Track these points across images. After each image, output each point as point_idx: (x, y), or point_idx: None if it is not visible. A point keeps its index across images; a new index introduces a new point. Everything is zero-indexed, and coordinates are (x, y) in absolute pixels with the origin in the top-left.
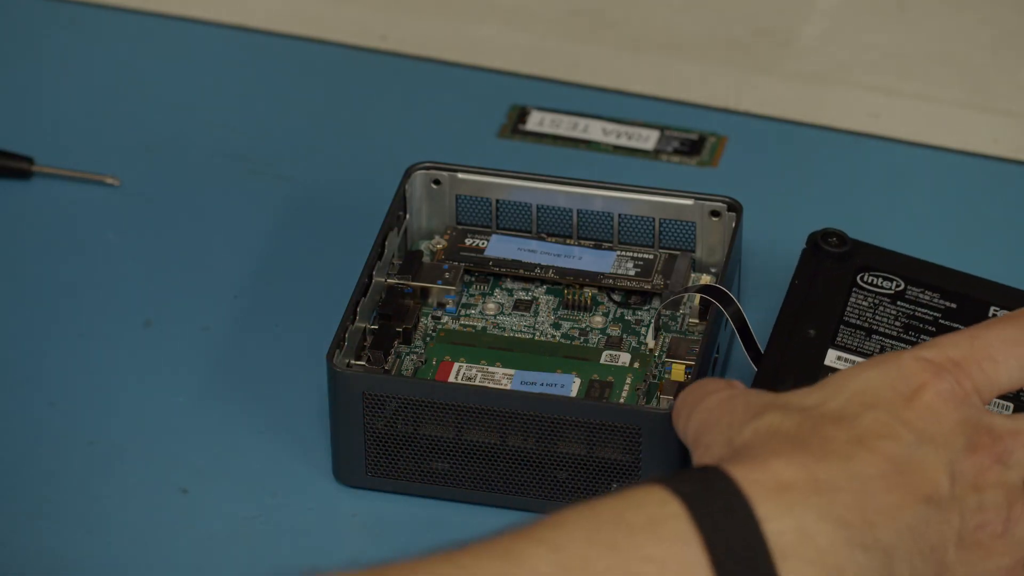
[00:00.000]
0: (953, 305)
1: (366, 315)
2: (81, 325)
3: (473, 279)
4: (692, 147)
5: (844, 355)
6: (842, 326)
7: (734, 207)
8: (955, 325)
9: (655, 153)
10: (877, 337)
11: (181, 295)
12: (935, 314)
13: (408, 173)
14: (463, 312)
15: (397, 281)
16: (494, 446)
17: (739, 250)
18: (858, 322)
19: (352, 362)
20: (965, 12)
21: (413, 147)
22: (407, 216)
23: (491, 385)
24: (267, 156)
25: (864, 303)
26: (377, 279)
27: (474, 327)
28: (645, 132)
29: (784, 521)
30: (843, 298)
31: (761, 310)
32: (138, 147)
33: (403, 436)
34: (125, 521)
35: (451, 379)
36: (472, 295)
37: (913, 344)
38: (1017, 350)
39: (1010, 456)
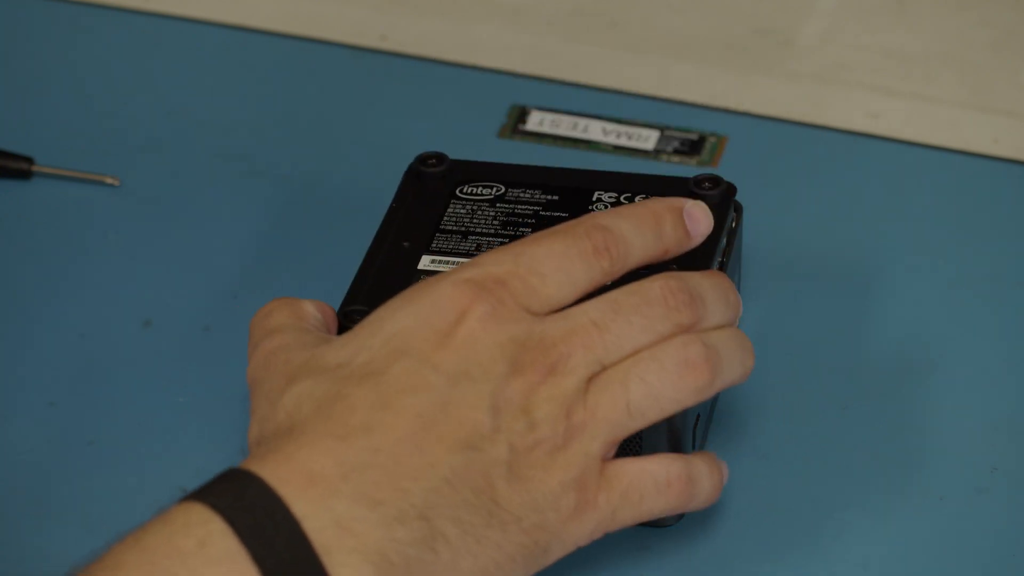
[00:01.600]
0: (555, 197)
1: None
2: (81, 325)
3: None
4: (692, 147)
5: (439, 258)
6: (438, 233)
7: (734, 207)
8: (558, 215)
9: (655, 153)
10: (474, 237)
11: (181, 295)
12: (535, 207)
13: (408, 170)
14: None
15: None
16: None
17: (739, 250)
18: (454, 228)
19: None
20: (965, 12)
21: (413, 147)
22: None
23: None
24: (267, 156)
25: (462, 211)
26: None
27: None
28: (645, 132)
29: (321, 517)
30: (441, 210)
31: (762, 310)
32: (138, 147)
33: None
34: (125, 521)
35: None
36: None
37: (512, 239)
38: (564, 263)
39: (566, 363)
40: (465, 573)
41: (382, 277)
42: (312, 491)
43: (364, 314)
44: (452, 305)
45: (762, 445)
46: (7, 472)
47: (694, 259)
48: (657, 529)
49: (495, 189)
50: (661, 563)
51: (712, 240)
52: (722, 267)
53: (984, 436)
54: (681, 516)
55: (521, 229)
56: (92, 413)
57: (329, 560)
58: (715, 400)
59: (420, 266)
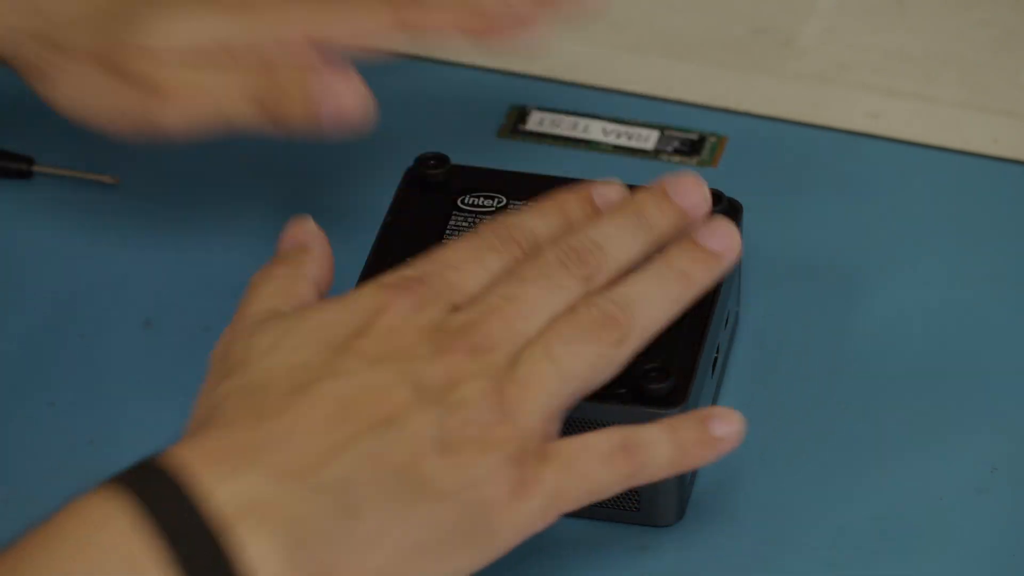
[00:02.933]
0: None
1: None
2: (81, 325)
3: None
4: (692, 147)
5: None
6: None
7: (734, 207)
8: None
9: (655, 153)
10: None
11: (181, 295)
12: None
13: (408, 173)
14: None
15: None
16: None
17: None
18: None
19: None
20: (965, 12)
21: (413, 147)
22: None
23: None
24: (267, 156)
25: (464, 224)
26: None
27: None
28: (645, 132)
29: (227, 493)
30: (443, 223)
31: (762, 310)
32: (138, 147)
33: None
34: None
35: None
36: None
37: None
38: (479, 255)
39: (488, 339)
40: (397, 544)
41: None
42: (218, 468)
43: None
44: (372, 304)
45: (762, 445)
46: (7, 472)
47: None
48: (657, 529)
49: (496, 200)
50: (661, 563)
51: None
52: None
53: (984, 436)
54: (681, 515)
55: None
56: (92, 413)
57: (235, 535)
58: (715, 400)
59: None
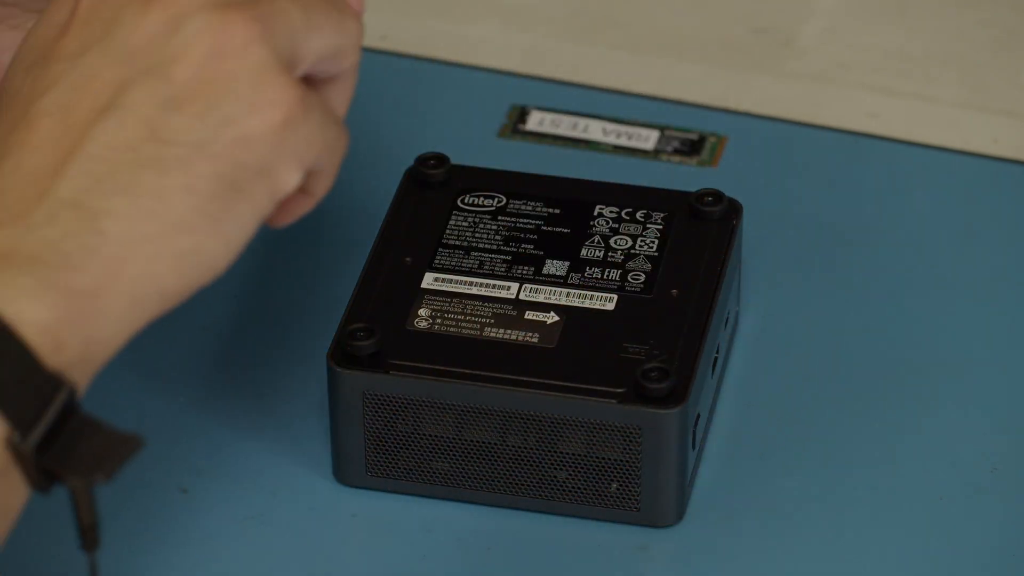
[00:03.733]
0: (557, 211)
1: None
2: None
3: None
4: (692, 147)
5: (442, 276)
6: (440, 248)
7: (734, 207)
8: (559, 230)
9: (655, 153)
10: (476, 253)
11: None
12: (537, 222)
13: (408, 173)
14: None
15: None
16: (494, 446)
17: (739, 250)
18: (457, 242)
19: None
20: (965, 12)
21: (413, 147)
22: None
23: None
24: None
25: (464, 224)
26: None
27: None
28: (645, 132)
29: None
30: (443, 222)
31: (762, 310)
32: None
33: (403, 436)
34: (125, 521)
35: None
36: None
37: (514, 256)
38: None
39: None
40: (156, 235)
41: (384, 294)
42: None
43: (367, 333)
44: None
45: (762, 445)
46: None
47: (696, 268)
48: (657, 529)
49: (496, 200)
50: (661, 563)
51: (714, 251)
52: (722, 267)
53: (984, 436)
54: (681, 515)
55: (523, 246)
56: (92, 413)
57: None
58: (715, 400)
59: (423, 284)
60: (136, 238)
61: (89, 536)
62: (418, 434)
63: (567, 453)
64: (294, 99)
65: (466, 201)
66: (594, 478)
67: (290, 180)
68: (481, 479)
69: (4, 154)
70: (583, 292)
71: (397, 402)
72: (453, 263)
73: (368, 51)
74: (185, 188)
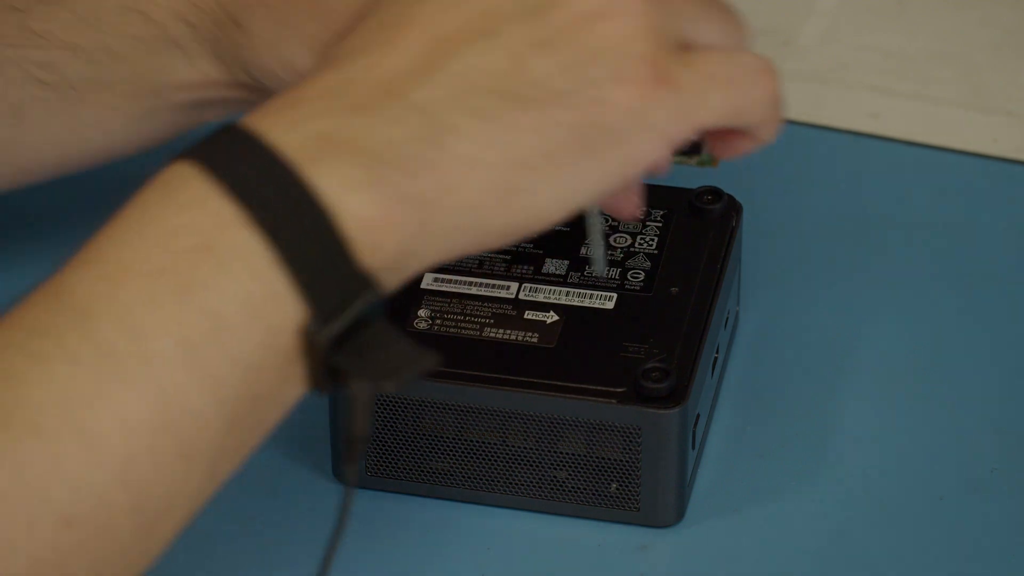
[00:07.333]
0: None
1: None
2: None
3: None
4: (692, 147)
5: (442, 276)
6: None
7: (734, 207)
8: (558, 228)
9: None
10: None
11: None
12: None
13: None
14: None
15: None
16: (494, 446)
17: (739, 249)
18: None
19: None
20: (965, 12)
21: None
22: None
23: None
24: None
25: None
26: None
27: None
28: None
29: (299, 134)
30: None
31: (762, 310)
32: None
33: (403, 436)
34: None
35: None
36: None
37: (514, 255)
38: None
39: None
40: (495, 164)
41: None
42: (290, 114)
43: None
44: None
45: (762, 445)
46: None
47: (696, 267)
48: (657, 529)
49: None
50: (661, 563)
51: (714, 248)
52: (722, 267)
53: (984, 436)
54: (681, 515)
55: (522, 244)
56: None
57: (310, 170)
58: (715, 400)
59: (423, 284)
60: (475, 162)
61: (353, 450)
62: (418, 434)
63: (567, 453)
64: (658, 77)
65: None
66: (594, 478)
67: (650, 152)
68: (481, 479)
69: (364, 50)
70: (583, 291)
71: (397, 402)
72: (452, 262)
73: None
74: (536, 128)
